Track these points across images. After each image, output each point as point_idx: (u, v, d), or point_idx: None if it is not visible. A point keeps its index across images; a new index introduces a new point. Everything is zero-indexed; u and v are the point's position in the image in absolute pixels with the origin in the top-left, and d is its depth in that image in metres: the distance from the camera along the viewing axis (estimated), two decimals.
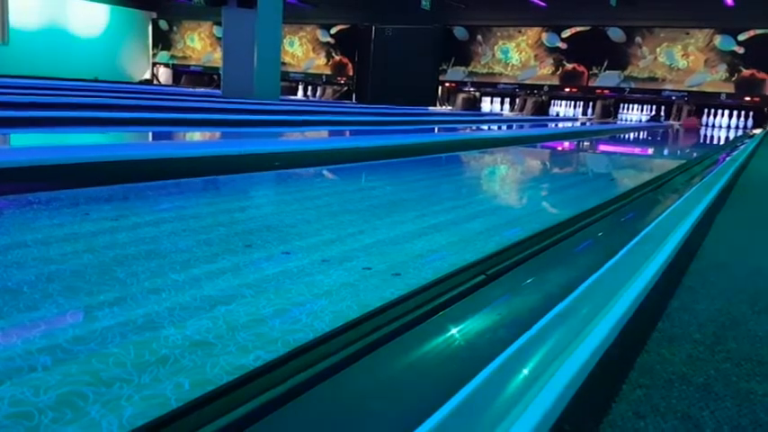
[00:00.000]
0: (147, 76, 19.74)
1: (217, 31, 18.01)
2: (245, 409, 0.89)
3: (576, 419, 0.91)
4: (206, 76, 18.91)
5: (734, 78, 13.28)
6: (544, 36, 15.10)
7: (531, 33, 15.25)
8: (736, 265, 1.86)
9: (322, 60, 17.45)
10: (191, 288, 1.43)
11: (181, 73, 19.54)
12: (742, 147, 7.62)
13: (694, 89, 13.70)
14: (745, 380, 1.07)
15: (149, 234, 1.92)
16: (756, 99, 13.18)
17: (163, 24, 19.66)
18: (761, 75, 13.05)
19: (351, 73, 17.07)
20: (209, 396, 0.93)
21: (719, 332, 1.29)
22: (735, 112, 13.73)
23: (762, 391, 1.03)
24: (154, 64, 19.88)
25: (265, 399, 0.92)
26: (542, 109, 15.28)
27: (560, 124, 12.34)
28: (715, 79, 13.49)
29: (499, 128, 9.89)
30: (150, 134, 4.78)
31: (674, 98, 13.96)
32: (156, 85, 18.84)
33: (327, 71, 17.40)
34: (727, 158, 5.71)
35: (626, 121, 14.45)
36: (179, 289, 1.42)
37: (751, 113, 13.53)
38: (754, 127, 13.24)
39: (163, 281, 1.46)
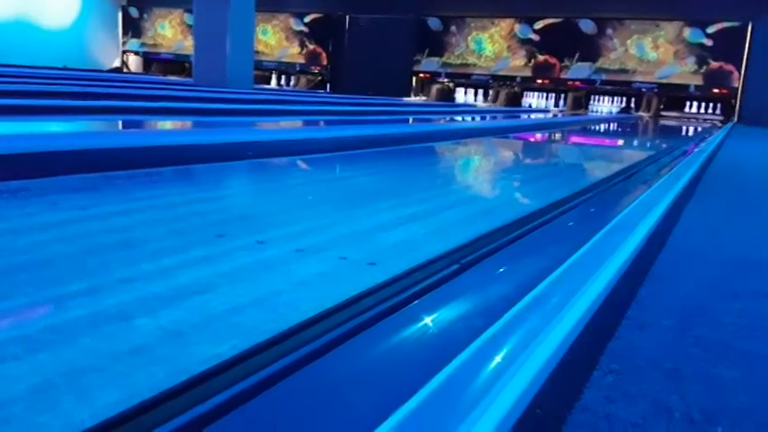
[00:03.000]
0: (117, 64, 19.38)
1: (188, 18, 17.73)
2: (221, 398, 0.89)
3: (549, 404, 0.93)
4: (177, 64, 18.63)
5: (702, 70, 13.52)
6: (517, 27, 15.17)
7: (505, 24, 15.31)
8: (705, 254, 1.91)
9: (296, 49, 17.31)
10: (163, 278, 1.42)
11: (151, 61, 19.23)
12: (710, 138, 7.77)
13: (664, 81, 13.90)
14: (714, 365, 1.09)
15: (120, 223, 1.89)
16: (724, 91, 13.43)
17: (133, 12, 19.30)
18: (729, 67, 13.30)
19: (325, 62, 16.96)
20: (184, 385, 0.93)
21: (688, 318, 1.32)
22: (703, 104, 13.98)
23: (729, 375, 1.05)
24: (124, 52, 19.52)
25: (242, 387, 0.92)
26: (515, 100, 15.38)
27: (533, 116, 12.43)
28: (684, 71, 13.70)
29: (473, 119, 9.93)
30: (120, 123, 4.70)
31: (644, 90, 14.15)
32: (126, 73, 18.51)
33: (301, 60, 17.26)
34: (696, 149, 5.82)
35: (597, 112, 14.61)
36: (151, 279, 1.41)
37: (719, 105, 13.80)
38: (723, 118, 13.50)
39: (135, 270, 1.45)
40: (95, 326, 1.11)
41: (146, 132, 4.14)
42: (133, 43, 19.42)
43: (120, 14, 19.27)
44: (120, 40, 19.46)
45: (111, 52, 19.29)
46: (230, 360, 1.01)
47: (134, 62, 19.47)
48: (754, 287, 1.57)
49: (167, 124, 4.87)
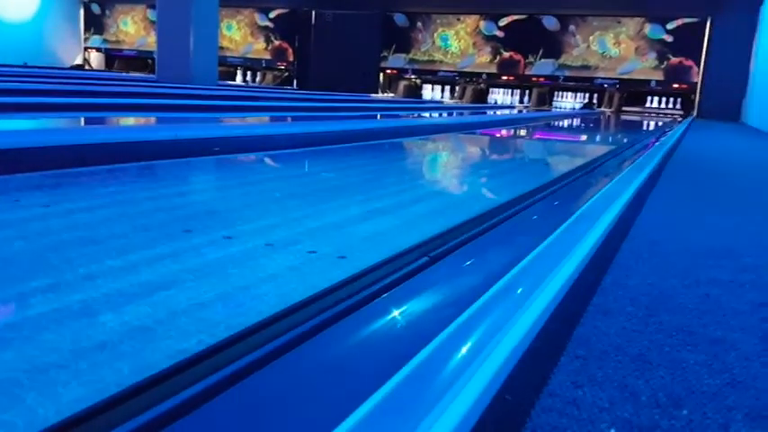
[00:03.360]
0: (79, 61, 18.97)
1: (151, 14, 17.45)
2: (188, 393, 0.88)
3: (518, 390, 0.94)
4: (140, 60, 18.31)
5: (663, 66, 13.81)
6: (482, 24, 15.28)
7: (470, 21, 15.41)
8: (667, 243, 1.95)
9: (261, 45, 17.15)
10: (128, 274, 1.39)
11: (114, 57, 18.86)
12: (670, 132, 7.94)
13: (625, 77, 14.16)
14: (677, 350, 1.12)
15: (84, 220, 1.86)
16: (684, 86, 13.74)
17: (95, 8, 18.90)
18: (688, 62, 13.61)
19: (291, 58, 16.85)
20: (151, 381, 0.91)
21: (652, 305, 1.35)
22: (664, 99, 14.29)
23: (693, 359, 1.08)
24: (86, 48, 19.11)
25: (210, 382, 0.91)
26: (481, 97, 15.50)
27: (498, 112, 12.55)
28: (645, 67, 13.98)
29: (440, 115, 9.98)
30: (82, 119, 4.59)
31: (605, 86, 14.40)
32: (87, 70, 18.12)
33: (267, 56, 17.12)
34: (657, 143, 5.94)
35: (560, 108, 14.81)
36: (116, 275, 1.38)
37: (679, 100, 14.11)
38: (683, 113, 13.81)
39: (99, 267, 1.42)
40: (59, 322, 1.09)
41: (108, 129, 4.06)
42: (95, 40, 19.03)
43: (81, 10, 18.85)
44: (82, 37, 19.05)
45: (73, 49, 18.86)
46: (197, 355, 1.00)
47: (96, 59, 19.07)
48: (714, 274, 1.61)
49: (130, 120, 4.79)
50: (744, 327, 1.25)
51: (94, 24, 18.98)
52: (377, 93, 16.07)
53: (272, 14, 16.93)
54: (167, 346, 1.04)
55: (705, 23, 13.39)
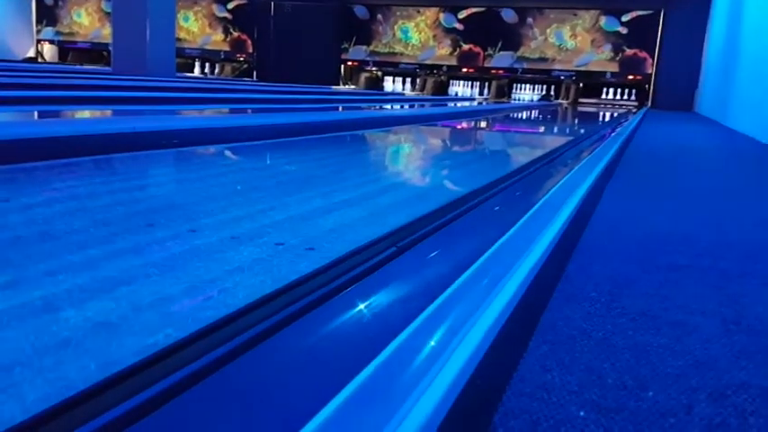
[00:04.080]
0: (32, 53, 18.38)
1: (105, 5, 17.00)
2: (158, 388, 0.86)
3: (489, 375, 0.95)
4: (95, 53, 17.84)
5: (618, 58, 14.10)
6: (442, 16, 15.35)
7: (430, 14, 15.45)
8: (627, 229, 2.00)
9: (219, 36, 16.88)
10: (89, 269, 1.36)
11: (67, 50, 18.33)
12: (626, 123, 8.12)
13: (582, 69, 14.42)
14: (641, 333, 1.15)
15: (42, 215, 1.80)
16: (639, 77, 14.06)
17: None
18: (642, 54, 13.93)
19: (251, 50, 16.63)
20: (118, 376, 0.90)
21: (614, 290, 1.38)
22: (619, 90, 14.60)
23: (656, 342, 1.11)
24: (38, 41, 18.52)
25: (179, 377, 0.90)
26: (442, 89, 15.59)
27: (459, 104, 12.63)
28: (601, 59, 14.25)
29: (402, 107, 9.99)
30: (36, 113, 4.46)
31: (562, 78, 14.63)
32: (40, 62, 17.57)
33: (226, 48, 16.87)
34: (613, 134, 6.07)
35: (519, 100, 15.00)
36: (77, 270, 1.35)
37: (634, 91, 14.44)
38: (637, 104, 14.14)
39: (59, 262, 1.38)
40: (20, 319, 1.06)
41: (63, 122, 3.94)
42: (48, 32, 18.45)
43: (33, 2, 18.24)
44: (34, 29, 18.46)
45: (25, 41, 18.26)
46: (165, 350, 0.98)
47: (49, 51, 18.50)
48: (673, 259, 1.66)
49: (86, 113, 4.66)
50: (704, 310, 1.28)
51: (47, 16, 18.41)
52: (338, 85, 16.00)
53: (231, 5, 16.68)
54: (133, 342, 1.02)
55: (659, 16, 13.72)
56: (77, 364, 0.93)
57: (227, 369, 0.92)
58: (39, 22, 18.49)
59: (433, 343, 1.01)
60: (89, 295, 1.21)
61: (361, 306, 1.19)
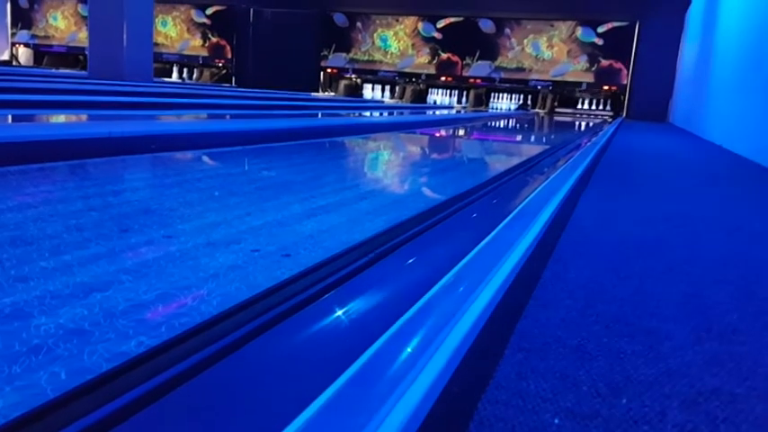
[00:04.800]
0: (6, 57, 18.10)
1: (82, 9, 16.81)
2: (129, 396, 0.85)
3: (465, 382, 0.95)
4: (71, 56, 17.64)
5: (594, 68, 14.29)
6: (420, 25, 15.44)
7: (408, 22, 15.53)
8: (602, 237, 2.02)
9: (198, 42, 16.78)
10: (62, 275, 1.34)
11: (43, 53, 18.10)
12: (601, 132, 8.22)
13: (558, 79, 14.58)
14: (615, 340, 1.16)
15: (13, 220, 1.77)
16: (614, 88, 14.26)
17: (22, 2, 18.07)
18: (618, 65, 14.13)
19: (229, 56, 16.55)
20: (89, 385, 0.88)
21: (589, 297, 1.39)
22: (595, 101, 14.79)
23: (630, 349, 1.12)
24: (13, 44, 18.26)
25: (151, 385, 0.88)
26: (421, 97, 15.66)
27: (437, 112, 12.69)
28: (577, 69, 14.43)
29: (380, 114, 10.01)
30: (10, 117, 4.38)
31: (539, 87, 14.79)
32: (15, 66, 17.31)
33: (204, 53, 16.77)
34: (589, 143, 6.14)
35: (497, 109, 15.12)
36: (49, 276, 1.32)
37: (609, 101, 14.64)
38: (612, 114, 14.33)
39: (31, 268, 1.36)
40: None
41: (38, 126, 3.88)
42: (23, 35, 18.20)
43: (8, 4, 17.99)
44: (9, 32, 18.20)
45: (0, 44, 18.00)
46: (137, 357, 0.97)
47: (24, 55, 18.26)
48: (646, 266, 1.68)
49: (61, 117, 4.60)
50: (676, 317, 1.30)
51: (22, 19, 18.16)
52: (317, 91, 15.98)
53: (210, 11, 16.59)
54: (105, 349, 1.01)
55: (634, 27, 13.94)
56: (48, 371, 0.92)
57: (200, 377, 0.91)
58: (14, 24, 18.23)
59: (409, 350, 1.01)
60: (61, 302, 1.19)
61: (336, 314, 1.18)
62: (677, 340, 1.18)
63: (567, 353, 1.09)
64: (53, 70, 15.14)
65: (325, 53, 16.10)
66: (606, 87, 14.30)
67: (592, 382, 0.99)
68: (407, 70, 15.67)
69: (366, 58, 15.90)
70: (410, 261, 1.65)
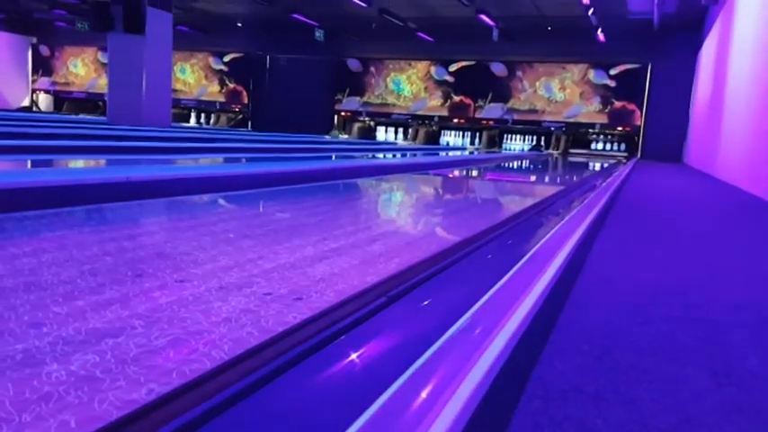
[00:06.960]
0: (27, 103, 18.60)
1: (102, 56, 17.31)
2: None
3: (480, 431, 0.93)
4: (90, 102, 18.08)
5: (607, 110, 14.36)
6: (433, 69, 15.68)
7: (421, 66, 15.79)
8: (618, 281, 1.99)
9: (215, 87, 17.15)
10: (75, 321, 1.34)
11: (63, 99, 18.58)
12: (616, 173, 8.20)
13: (571, 120, 14.66)
14: (633, 387, 1.13)
15: (28, 265, 1.78)
16: (627, 129, 14.30)
17: (43, 50, 18.65)
18: (631, 106, 14.20)
19: (246, 101, 16.88)
20: None
21: (606, 343, 1.36)
22: (608, 142, 14.82)
23: (648, 396, 1.09)
24: (34, 90, 18.77)
25: None
26: (433, 138, 15.80)
27: (450, 153, 12.77)
28: (590, 110, 14.51)
29: (394, 156, 10.08)
30: (29, 162, 4.47)
31: (552, 129, 14.87)
32: (36, 112, 17.76)
33: (221, 98, 17.11)
34: (604, 184, 6.12)
35: (510, 150, 15.18)
36: (62, 322, 1.32)
37: (623, 142, 14.66)
38: (626, 154, 14.32)
39: (44, 314, 1.36)
40: (1, 373, 1.03)
41: (54, 171, 3.95)
42: (44, 81, 18.72)
43: (29, 52, 18.57)
44: (30, 78, 18.74)
45: (21, 91, 18.53)
46: (147, 405, 0.96)
47: (44, 101, 18.75)
48: (665, 311, 1.65)
49: (79, 162, 4.68)
50: (695, 363, 1.27)
51: (43, 66, 18.70)
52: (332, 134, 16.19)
53: (227, 58, 17.00)
54: (116, 397, 1.00)
55: (646, 69, 14.04)
56: (57, 419, 0.91)
57: (211, 425, 0.90)
58: (35, 72, 18.77)
59: (422, 398, 0.99)
60: (73, 348, 1.18)
61: (349, 359, 1.17)
62: (695, 387, 1.15)
63: (584, 400, 1.06)
64: (72, 116, 15.49)
65: (339, 97, 16.37)
66: (620, 128, 14.34)
67: (609, 430, 0.96)
68: (420, 113, 15.85)
69: (379, 101, 16.13)
70: (424, 304, 1.64)
